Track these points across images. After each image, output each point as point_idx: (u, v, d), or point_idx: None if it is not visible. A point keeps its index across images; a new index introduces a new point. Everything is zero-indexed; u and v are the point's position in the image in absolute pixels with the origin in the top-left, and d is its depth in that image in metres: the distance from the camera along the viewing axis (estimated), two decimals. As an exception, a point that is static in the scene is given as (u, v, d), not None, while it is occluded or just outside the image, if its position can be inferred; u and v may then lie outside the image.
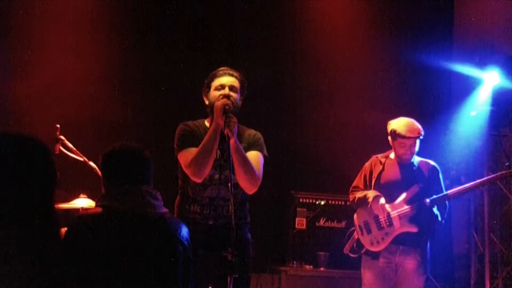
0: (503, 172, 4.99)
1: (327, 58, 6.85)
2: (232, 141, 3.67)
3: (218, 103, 3.72)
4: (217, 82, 3.93)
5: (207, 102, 3.96)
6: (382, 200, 4.82)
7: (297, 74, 6.81)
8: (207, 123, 3.96)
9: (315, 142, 6.67)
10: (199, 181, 3.81)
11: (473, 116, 7.06)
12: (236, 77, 3.95)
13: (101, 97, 6.15)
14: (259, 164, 3.88)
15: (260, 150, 3.94)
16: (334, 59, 6.84)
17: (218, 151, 3.82)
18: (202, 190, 3.85)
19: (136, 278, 2.73)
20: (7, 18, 5.98)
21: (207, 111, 3.96)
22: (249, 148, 3.91)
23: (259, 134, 4.01)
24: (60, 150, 4.56)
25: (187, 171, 3.80)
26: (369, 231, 4.93)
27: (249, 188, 3.83)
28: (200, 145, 3.76)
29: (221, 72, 3.96)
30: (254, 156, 3.87)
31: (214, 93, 3.90)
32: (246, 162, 3.72)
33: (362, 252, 4.98)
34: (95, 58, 6.16)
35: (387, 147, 5.07)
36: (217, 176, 3.83)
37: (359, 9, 6.96)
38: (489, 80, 6.87)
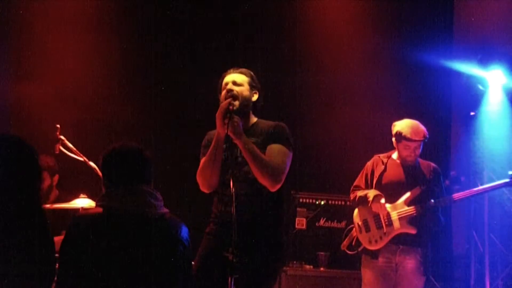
0: (506, 180, 4.96)
1: (327, 58, 6.84)
2: (237, 142, 3.64)
3: (218, 113, 3.65)
4: (223, 83, 3.92)
5: None
6: (383, 200, 4.83)
7: (297, 74, 6.81)
8: None
9: (315, 142, 6.66)
10: (207, 191, 3.79)
11: (473, 115, 7.05)
12: (241, 72, 3.92)
13: (102, 97, 6.15)
14: (280, 157, 3.72)
15: (282, 142, 3.78)
16: (334, 59, 6.84)
17: (234, 149, 3.71)
18: (224, 189, 3.75)
19: (136, 278, 2.73)
20: (8, 19, 5.98)
21: None
22: (269, 141, 3.79)
23: (280, 126, 3.88)
24: (60, 150, 4.57)
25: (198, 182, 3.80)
26: (368, 230, 4.93)
27: (269, 185, 3.67)
28: (205, 158, 3.75)
29: (226, 73, 3.96)
30: (274, 149, 3.74)
31: (222, 94, 3.89)
32: (256, 159, 3.62)
33: (360, 250, 4.98)
34: (96, 58, 6.16)
35: (387, 147, 5.07)
36: (237, 174, 3.69)
37: (359, 9, 6.95)
38: (493, 80, 6.84)
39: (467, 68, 6.93)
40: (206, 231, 3.84)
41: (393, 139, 4.97)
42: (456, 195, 4.89)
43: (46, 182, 5.13)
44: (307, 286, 5.91)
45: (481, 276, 6.84)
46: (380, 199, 4.83)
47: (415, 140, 4.84)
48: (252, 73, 3.96)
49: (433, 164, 5.03)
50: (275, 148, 3.75)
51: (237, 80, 3.88)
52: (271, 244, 3.76)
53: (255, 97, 3.92)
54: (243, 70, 3.95)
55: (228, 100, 3.71)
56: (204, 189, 3.78)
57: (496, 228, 7.05)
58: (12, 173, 2.56)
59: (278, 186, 3.71)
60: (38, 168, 2.66)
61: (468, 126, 7.19)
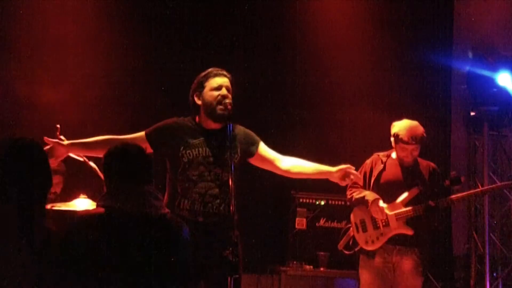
0: (507, 182, 4.97)
1: (327, 57, 6.84)
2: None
3: None
4: (214, 82, 3.88)
5: (199, 102, 3.91)
6: (381, 203, 4.82)
7: (297, 73, 6.81)
8: (194, 121, 3.95)
9: (315, 142, 6.66)
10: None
11: (473, 115, 7.05)
12: (229, 78, 3.94)
13: (101, 97, 6.15)
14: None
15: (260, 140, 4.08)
16: (334, 59, 6.84)
17: (207, 148, 3.80)
18: (192, 186, 3.78)
19: (136, 278, 2.73)
20: (7, 18, 5.98)
21: (195, 110, 3.94)
22: (253, 145, 4.00)
23: (246, 129, 4.04)
24: (60, 150, 4.55)
25: None
26: (364, 230, 4.92)
27: None
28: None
29: (215, 72, 3.94)
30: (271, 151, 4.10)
31: (211, 93, 3.86)
32: (318, 170, 4.24)
33: (356, 250, 4.97)
34: (95, 58, 6.15)
35: (387, 147, 5.06)
36: (206, 173, 3.77)
37: (359, 9, 6.96)
38: (501, 82, 6.82)
39: (467, 67, 6.94)
40: None
41: (392, 139, 4.97)
42: (455, 196, 4.89)
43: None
44: (307, 286, 5.92)
45: (481, 276, 6.84)
46: (378, 202, 4.82)
47: (411, 144, 4.84)
48: (232, 80, 3.99)
49: (432, 165, 5.02)
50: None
51: (229, 87, 3.90)
52: (230, 243, 3.77)
53: None
54: (227, 74, 3.96)
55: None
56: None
57: (496, 228, 7.06)
58: (25, 176, 2.58)
59: None
60: (50, 171, 2.70)
61: (468, 126, 7.20)
